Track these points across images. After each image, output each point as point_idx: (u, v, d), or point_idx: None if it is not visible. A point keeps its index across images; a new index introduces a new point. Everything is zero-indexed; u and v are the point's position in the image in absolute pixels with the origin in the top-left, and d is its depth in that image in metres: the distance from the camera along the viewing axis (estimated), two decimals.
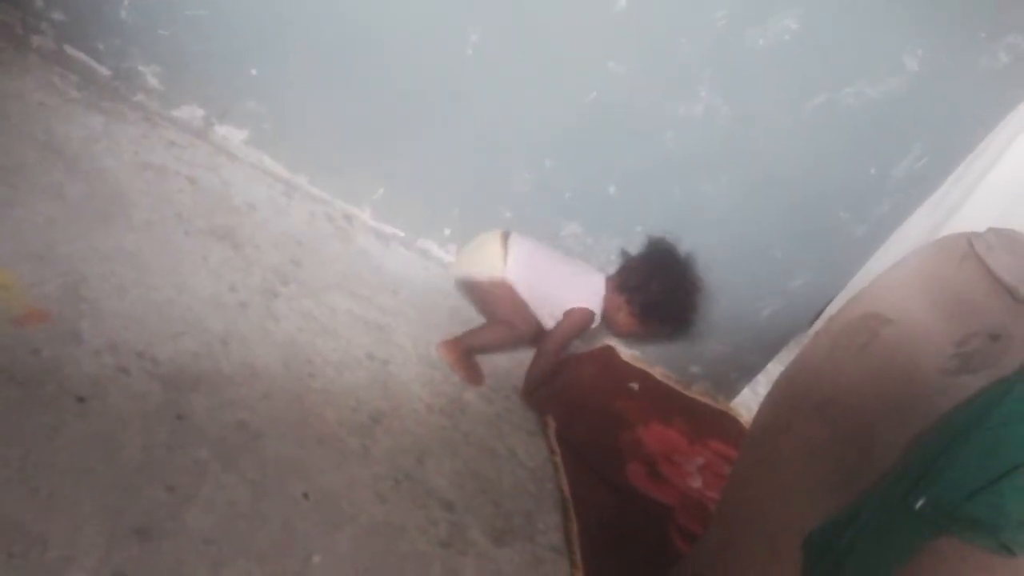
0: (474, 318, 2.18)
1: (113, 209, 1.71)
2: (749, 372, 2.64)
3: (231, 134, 2.15)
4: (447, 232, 2.34)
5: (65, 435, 1.23)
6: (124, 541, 1.14)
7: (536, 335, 2.17)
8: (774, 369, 2.55)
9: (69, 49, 2.01)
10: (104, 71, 2.04)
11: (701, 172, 2.26)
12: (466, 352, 2.04)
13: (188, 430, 1.37)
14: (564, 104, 2.14)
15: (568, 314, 2.13)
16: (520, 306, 2.12)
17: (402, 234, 2.33)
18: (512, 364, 2.16)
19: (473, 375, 2.02)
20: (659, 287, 2.17)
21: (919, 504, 1.11)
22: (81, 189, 1.71)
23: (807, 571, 1.29)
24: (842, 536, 1.24)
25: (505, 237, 2.16)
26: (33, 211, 1.57)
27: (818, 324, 2.49)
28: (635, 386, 2.39)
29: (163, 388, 1.41)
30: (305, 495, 1.40)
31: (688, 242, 2.25)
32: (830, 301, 2.50)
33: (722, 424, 2.49)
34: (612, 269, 2.33)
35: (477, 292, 2.16)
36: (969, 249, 1.42)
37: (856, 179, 2.29)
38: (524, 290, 2.12)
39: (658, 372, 2.56)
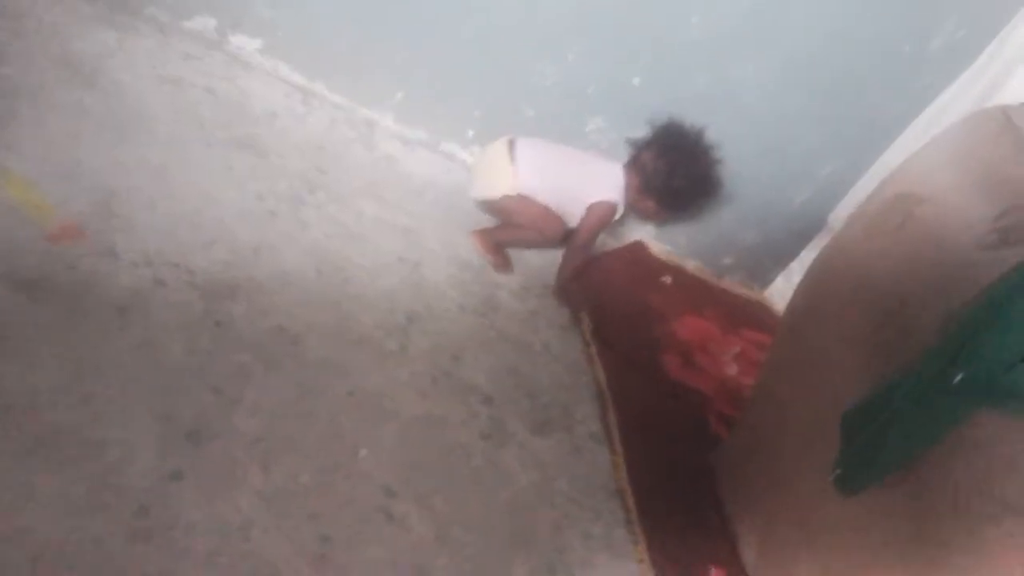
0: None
1: (135, 124, 1.71)
2: (782, 261, 2.63)
3: (245, 43, 2.11)
4: (470, 134, 2.31)
5: (110, 345, 1.25)
6: (176, 443, 1.18)
7: (565, 234, 2.16)
8: (808, 257, 2.53)
9: None
10: None
11: (728, 58, 2.20)
12: (497, 243, 2.07)
13: (228, 336, 1.39)
14: None
15: (591, 209, 2.11)
16: (543, 212, 2.10)
17: (425, 137, 2.30)
18: (543, 262, 2.16)
19: (502, 262, 2.05)
20: (683, 180, 2.13)
21: (957, 378, 1.11)
22: (101, 105, 1.70)
23: (844, 448, 1.31)
24: (879, 412, 1.24)
25: (511, 146, 2.10)
26: (56, 129, 1.57)
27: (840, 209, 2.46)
28: (667, 280, 2.39)
29: (201, 297, 1.43)
30: (349, 393, 1.43)
31: (716, 131, 2.18)
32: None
33: (756, 313, 2.49)
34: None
35: (497, 210, 2.14)
36: (1006, 122, 1.38)
37: (890, 57, 2.22)
38: (542, 196, 2.10)
39: (690, 266, 2.55)
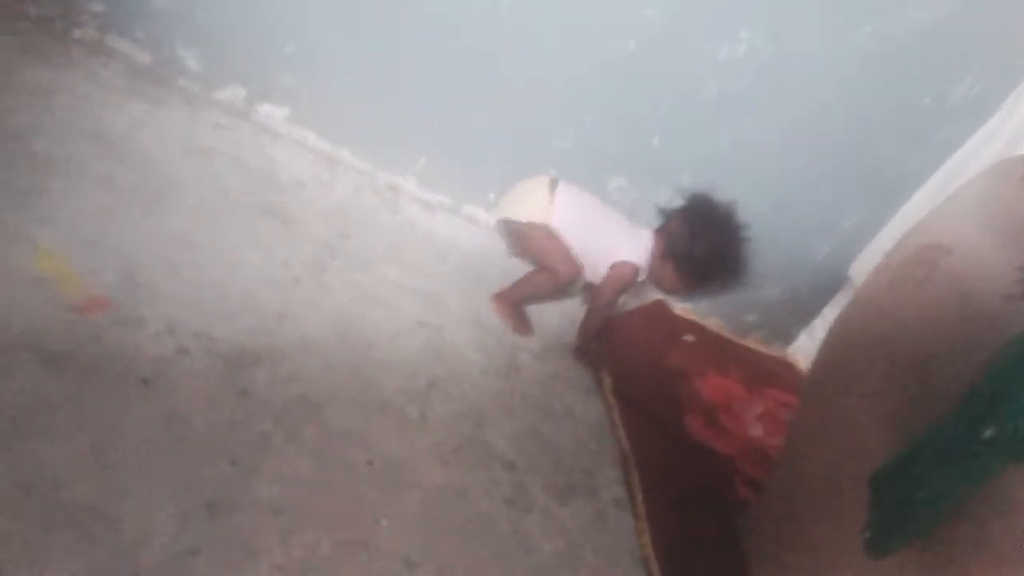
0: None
1: (163, 194, 1.74)
2: (805, 318, 2.61)
3: (273, 112, 2.16)
4: (492, 197, 2.33)
5: (132, 417, 1.26)
6: (196, 516, 1.18)
7: (578, 277, 2.15)
8: (830, 314, 2.51)
9: (110, 39, 2.04)
10: (145, 58, 2.07)
11: (746, 116, 2.22)
12: (517, 304, 2.08)
13: (250, 405, 1.40)
14: (602, 56, 2.10)
15: (613, 268, 2.11)
16: (562, 250, 2.08)
17: (447, 201, 2.33)
18: (564, 323, 2.16)
19: (521, 326, 2.05)
20: (704, 250, 2.09)
21: (987, 433, 1.09)
22: (131, 176, 1.74)
23: (873, 509, 1.28)
24: (908, 471, 1.22)
25: (553, 184, 2.11)
26: (86, 200, 1.60)
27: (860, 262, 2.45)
28: (690, 338, 2.38)
29: (224, 366, 1.44)
30: (369, 462, 1.43)
31: (736, 188, 2.19)
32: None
33: (779, 372, 2.46)
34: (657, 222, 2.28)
35: (517, 235, 2.14)
36: None
37: (909, 111, 2.23)
38: (569, 238, 2.09)
39: (712, 324, 2.53)
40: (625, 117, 2.22)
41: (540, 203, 2.08)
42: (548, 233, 2.08)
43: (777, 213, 2.35)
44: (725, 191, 2.19)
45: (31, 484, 1.09)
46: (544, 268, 2.09)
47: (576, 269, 2.11)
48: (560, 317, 2.18)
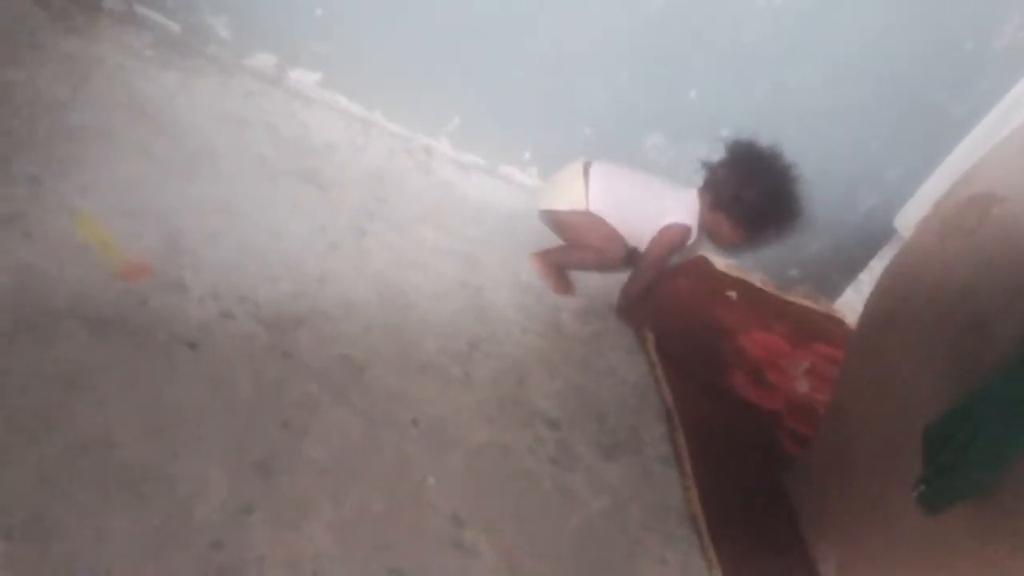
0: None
1: (199, 161, 1.75)
2: (851, 271, 2.56)
3: (304, 77, 2.15)
4: (527, 156, 2.30)
5: (181, 380, 1.27)
6: (247, 476, 1.19)
7: (626, 257, 2.13)
8: (877, 267, 2.46)
9: (139, 8, 2.03)
10: (175, 27, 2.06)
11: (785, 65, 2.16)
12: (556, 265, 2.05)
13: (296, 367, 1.40)
14: (635, 7, 2.05)
15: (664, 230, 2.07)
16: (608, 232, 2.07)
17: (482, 162, 2.30)
18: (605, 283, 2.14)
19: (562, 285, 2.03)
20: (755, 193, 2.05)
21: None
22: (166, 145, 1.74)
23: (928, 464, 1.25)
24: (963, 425, 1.19)
25: (586, 168, 2.09)
26: (124, 170, 1.61)
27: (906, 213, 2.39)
28: (733, 295, 2.34)
29: (267, 330, 1.44)
30: (414, 422, 1.43)
31: (777, 139, 2.13)
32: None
33: (826, 326, 2.42)
34: (699, 180, 2.22)
35: (562, 223, 2.12)
36: None
37: (952, 55, 2.15)
38: (612, 218, 2.07)
39: (756, 279, 2.49)
40: (661, 70, 2.17)
41: (576, 187, 2.07)
42: (590, 218, 2.06)
43: (820, 164, 2.29)
44: (757, 137, 2.13)
45: (86, 446, 1.11)
46: (590, 246, 2.07)
47: (623, 249, 2.09)
48: (601, 277, 2.15)
